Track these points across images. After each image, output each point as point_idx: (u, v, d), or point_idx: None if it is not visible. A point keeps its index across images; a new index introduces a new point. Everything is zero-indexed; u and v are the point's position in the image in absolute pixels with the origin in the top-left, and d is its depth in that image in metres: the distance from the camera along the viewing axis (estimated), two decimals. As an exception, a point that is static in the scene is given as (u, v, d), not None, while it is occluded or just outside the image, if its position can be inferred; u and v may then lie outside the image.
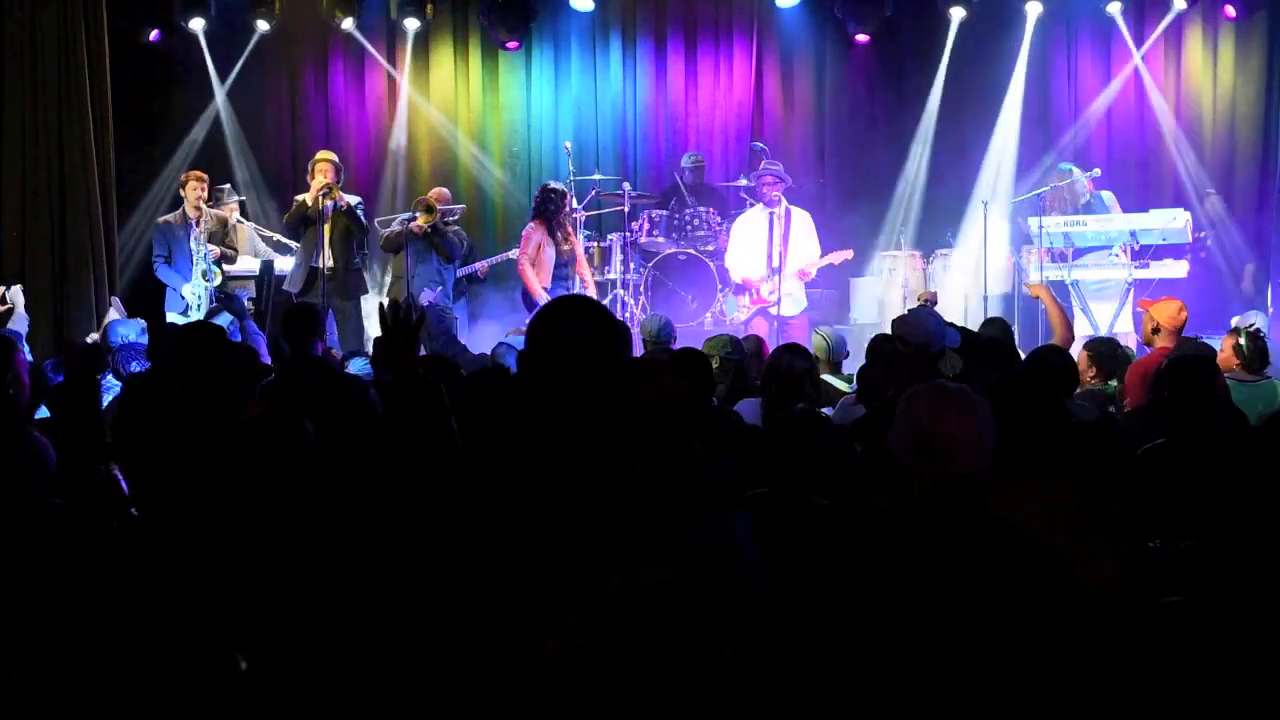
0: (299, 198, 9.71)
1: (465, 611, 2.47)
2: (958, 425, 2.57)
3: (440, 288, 9.88)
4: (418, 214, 9.79)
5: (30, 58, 10.03)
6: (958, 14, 11.48)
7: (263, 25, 11.58)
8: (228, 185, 10.74)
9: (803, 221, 9.94)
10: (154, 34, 11.47)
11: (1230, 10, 11.07)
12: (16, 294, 9.36)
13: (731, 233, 10.25)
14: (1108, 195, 10.20)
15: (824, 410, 5.06)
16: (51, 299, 10.02)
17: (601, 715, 1.44)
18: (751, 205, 10.32)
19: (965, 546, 2.55)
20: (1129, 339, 9.06)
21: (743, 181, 10.94)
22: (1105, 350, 6.31)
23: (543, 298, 9.30)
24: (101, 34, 10.29)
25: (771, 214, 9.86)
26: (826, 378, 5.96)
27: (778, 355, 5.07)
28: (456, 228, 10.19)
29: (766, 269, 9.78)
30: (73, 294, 10.08)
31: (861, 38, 11.84)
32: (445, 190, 10.31)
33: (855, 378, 5.81)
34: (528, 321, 2.73)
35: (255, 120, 11.97)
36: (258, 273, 10.38)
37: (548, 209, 9.73)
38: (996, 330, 6.05)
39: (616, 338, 2.55)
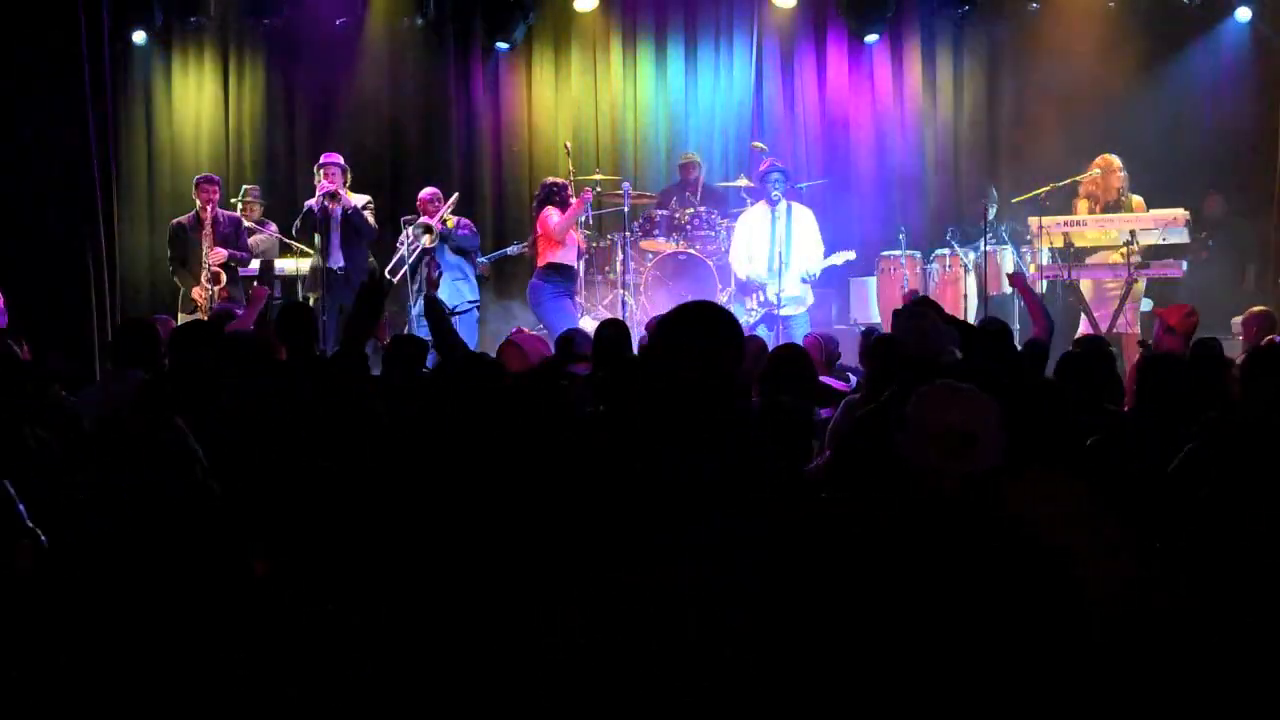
0: (308, 203, 9.75)
1: (465, 611, 2.46)
2: (967, 423, 2.57)
3: (462, 280, 9.91)
4: (421, 236, 9.80)
5: (28, 55, 10.04)
6: (960, 13, 11.48)
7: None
8: (255, 187, 10.77)
9: (805, 219, 9.95)
10: (138, 35, 11.47)
11: (1245, 12, 11.07)
12: None
13: (735, 230, 10.27)
14: (1136, 199, 10.18)
15: (823, 411, 5.06)
16: (50, 298, 10.01)
17: (601, 714, 1.44)
18: (753, 204, 10.33)
19: (975, 544, 2.56)
20: (1130, 340, 9.06)
21: (743, 181, 10.93)
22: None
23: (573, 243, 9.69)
24: (100, 32, 10.29)
25: (773, 212, 9.88)
26: (824, 379, 5.95)
27: (776, 355, 5.05)
28: (459, 218, 10.18)
29: (768, 269, 9.79)
30: (72, 293, 10.08)
31: (871, 38, 11.84)
32: (434, 189, 10.30)
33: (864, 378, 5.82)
34: (651, 324, 2.83)
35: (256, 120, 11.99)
36: (258, 272, 10.40)
37: (554, 200, 9.79)
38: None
39: (738, 348, 2.61)
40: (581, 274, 10.24)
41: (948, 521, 2.59)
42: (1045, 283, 9.84)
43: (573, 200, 9.97)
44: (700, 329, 2.64)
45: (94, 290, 10.09)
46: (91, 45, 10.22)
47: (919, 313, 4.81)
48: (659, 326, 2.73)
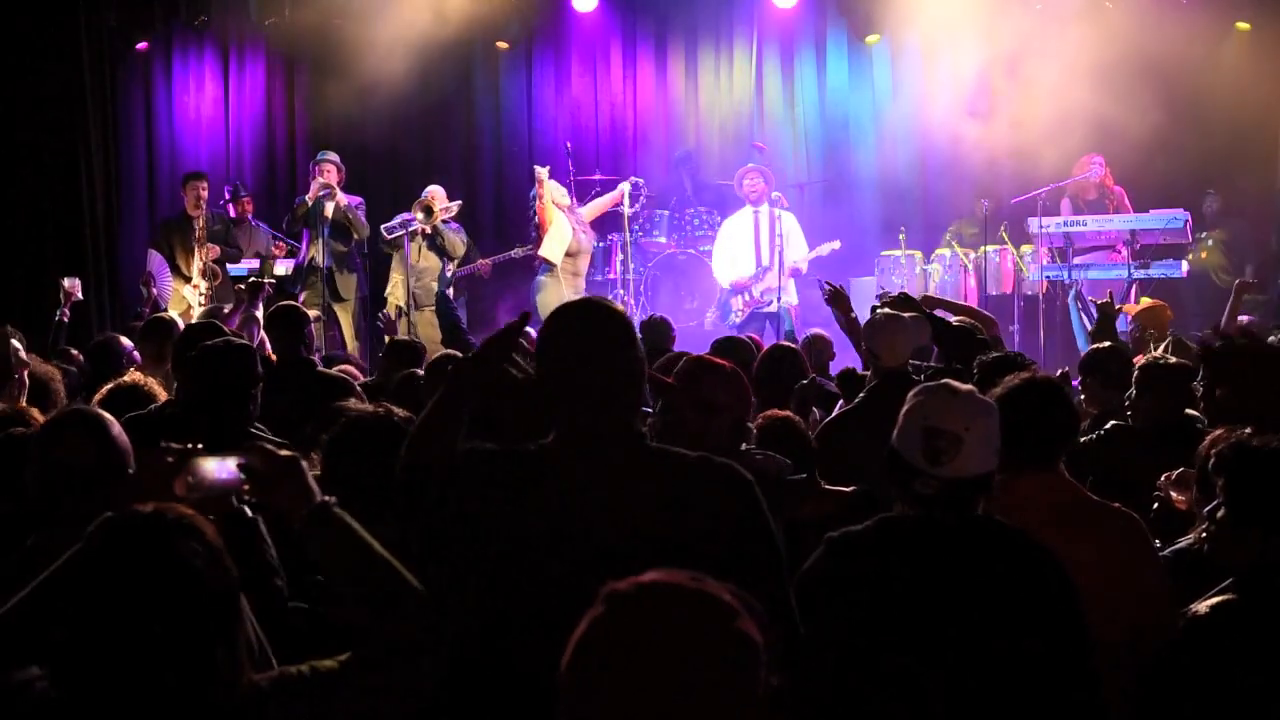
0: (302, 198, 9.77)
1: (460, 614, 2.47)
2: (960, 426, 2.57)
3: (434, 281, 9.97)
4: (417, 215, 9.81)
5: (29, 56, 10.06)
6: (964, 11, 11.46)
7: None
8: (238, 182, 10.79)
9: (789, 224, 9.99)
10: (141, 44, 11.49)
11: (1243, 25, 11.07)
12: None
13: (717, 239, 10.31)
14: (1117, 190, 10.25)
15: (817, 410, 5.06)
16: (50, 299, 10.02)
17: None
18: (743, 206, 10.37)
19: (971, 547, 2.56)
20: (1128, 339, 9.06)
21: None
22: None
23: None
24: (101, 33, 10.33)
25: (756, 213, 9.91)
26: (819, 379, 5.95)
27: (769, 356, 5.05)
28: (456, 225, 10.20)
29: (756, 267, 9.81)
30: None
31: (871, 38, 11.83)
32: (440, 189, 10.33)
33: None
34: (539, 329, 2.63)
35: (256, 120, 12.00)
36: (257, 272, 10.41)
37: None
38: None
39: (622, 343, 2.49)
40: (583, 272, 10.27)
41: (939, 523, 2.59)
42: (1046, 282, 9.84)
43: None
44: (587, 331, 2.49)
45: (94, 291, 10.11)
46: (92, 46, 10.24)
47: (887, 322, 4.77)
48: (544, 328, 2.62)
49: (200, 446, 2.18)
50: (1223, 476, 2.72)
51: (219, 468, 2.12)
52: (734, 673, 1.44)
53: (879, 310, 4.85)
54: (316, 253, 9.62)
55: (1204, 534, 2.78)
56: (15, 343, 4.58)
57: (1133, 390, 4.45)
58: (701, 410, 3.22)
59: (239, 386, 3.87)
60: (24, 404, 4.28)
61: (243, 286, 7.15)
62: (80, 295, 8.46)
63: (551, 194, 9.87)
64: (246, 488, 2.10)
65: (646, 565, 2.27)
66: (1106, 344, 5.30)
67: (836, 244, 10.18)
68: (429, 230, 9.82)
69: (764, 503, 2.45)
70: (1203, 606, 2.63)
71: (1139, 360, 4.73)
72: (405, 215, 10.00)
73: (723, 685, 1.43)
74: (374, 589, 2.02)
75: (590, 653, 1.46)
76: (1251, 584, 2.61)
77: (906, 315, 4.81)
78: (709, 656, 1.44)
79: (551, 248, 9.74)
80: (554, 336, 2.52)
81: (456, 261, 10.18)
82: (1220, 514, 2.69)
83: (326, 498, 2.09)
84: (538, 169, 9.89)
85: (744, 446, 3.42)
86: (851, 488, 3.67)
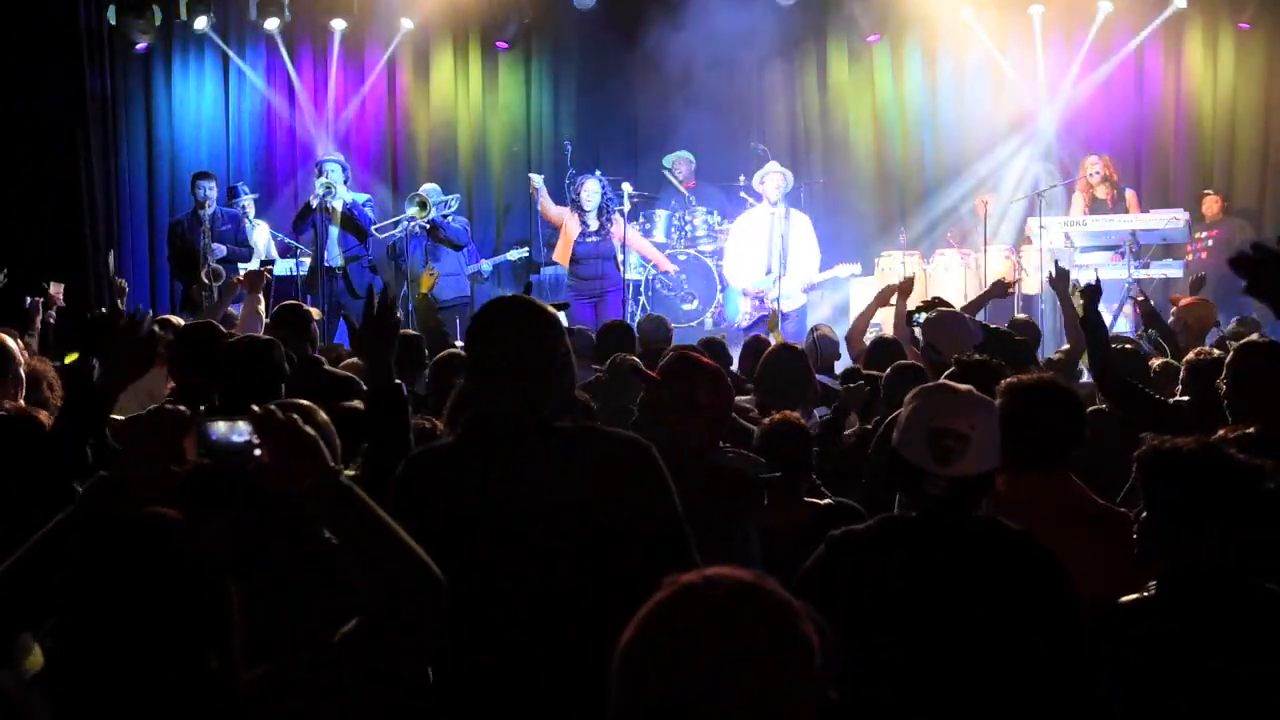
0: (307, 198, 9.80)
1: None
2: (966, 425, 2.56)
3: (455, 277, 10.00)
4: (412, 211, 9.84)
5: (29, 57, 10.06)
6: (964, 12, 11.46)
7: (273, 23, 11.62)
8: (240, 183, 10.79)
9: (802, 224, 9.97)
10: (141, 45, 11.48)
11: (1243, 25, 11.06)
12: None
13: (730, 235, 10.27)
14: (1129, 194, 10.24)
15: (818, 411, 5.04)
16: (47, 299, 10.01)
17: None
18: (751, 205, 10.33)
19: (971, 547, 2.56)
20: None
21: (741, 180, 10.94)
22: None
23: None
24: (101, 33, 10.33)
25: (772, 214, 9.88)
26: (820, 378, 5.93)
27: (773, 355, 5.04)
28: (456, 214, 10.22)
29: (766, 272, 9.80)
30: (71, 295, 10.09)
31: (871, 38, 11.83)
32: (435, 186, 10.36)
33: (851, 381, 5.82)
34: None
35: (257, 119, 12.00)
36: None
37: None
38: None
39: (534, 336, 2.58)
40: (603, 274, 10.33)
41: (941, 522, 2.58)
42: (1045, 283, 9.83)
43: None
44: (501, 326, 2.61)
45: (94, 291, 10.11)
46: (92, 46, 10.24)
47: (951, 319, 4.74)
48: (468, 325, 2.75)
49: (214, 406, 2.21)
50: (1141, 479, 2.71)
51: (230, 430, 2.14)
52: (789, 671, 1.46)
53: (940, 309, 4.91)
54: (328, 252, 9.65)
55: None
56: (10, 340, 4.56)
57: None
58: (682, 407, 3.26)
59: (268, 382, 3.86)
60: (22, 401, 4.26)
61: (240, 279, 7.16)
62: (62, 301, 8.45)
63: (585, 196, 9.90)
64: (257, 452, 2.12)
65: (559, 537, 2.37)
66: (1127, 344, 5.34)
67: (857, 268, 10.19)
68: (426, 226, 9.85)
69: (662, 466, 2.53)
70: (1123, 599, 2.65)
71: (1186, 358, 4.70)
72: (401, 217, 10.03)
73: (776, 681, 1.46)
74: (382, 560, 2.02)
75: (650, 635, 1.48)
76: (1166, 585, 2.62)
77: (966, 315, 4.81)
78: (767, 652, 1.46)
79: (561, 252, 9.88)
80: (472, 332, 2.66)
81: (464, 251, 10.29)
82: (1144, 516, 2.69)
83: (337, 466, 2.10)
84: (532, 177, 9.97)
85: (720, 444, 3.45)
86: (826, 500, 3.70)
